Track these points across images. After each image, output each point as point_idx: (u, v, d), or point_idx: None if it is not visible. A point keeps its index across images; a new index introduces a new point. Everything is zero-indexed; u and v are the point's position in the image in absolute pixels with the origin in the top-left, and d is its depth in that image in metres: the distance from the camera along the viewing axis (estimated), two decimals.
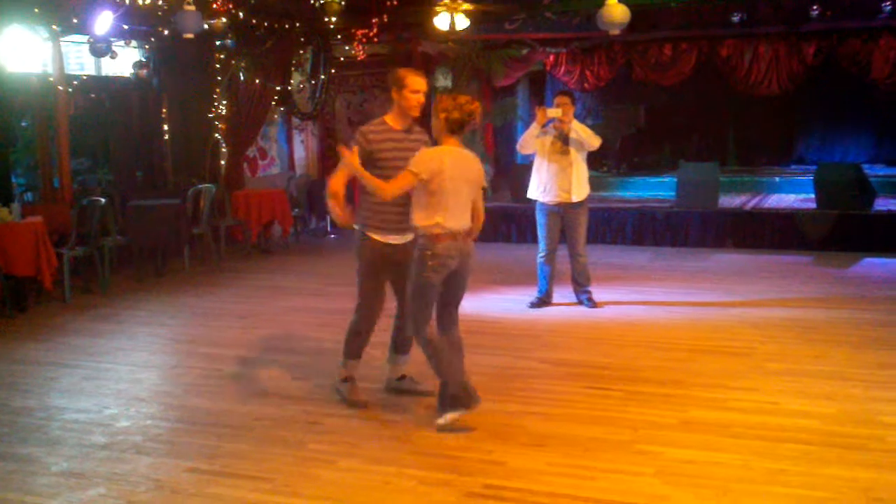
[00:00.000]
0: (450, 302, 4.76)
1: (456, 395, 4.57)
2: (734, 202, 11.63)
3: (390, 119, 4.91)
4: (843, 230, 10.23)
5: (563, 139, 7.23)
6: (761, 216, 10.84)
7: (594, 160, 9.88)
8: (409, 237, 4.83)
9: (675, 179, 11.48)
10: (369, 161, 4.74)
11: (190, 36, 9.30)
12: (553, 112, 7.13)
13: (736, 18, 11.48)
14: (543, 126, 7.23)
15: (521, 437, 4.49)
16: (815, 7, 11.09)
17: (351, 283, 5.11)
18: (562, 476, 4.00)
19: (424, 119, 4.83)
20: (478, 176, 4.72)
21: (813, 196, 10.84)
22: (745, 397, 5.05)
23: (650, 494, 3.81)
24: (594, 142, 7.24)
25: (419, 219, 4.56)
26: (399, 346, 5.20)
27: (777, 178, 13.34)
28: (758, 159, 15.03)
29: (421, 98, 4.87)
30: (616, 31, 9.69)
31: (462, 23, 11.03)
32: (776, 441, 4.35)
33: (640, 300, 7.77)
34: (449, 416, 4.58)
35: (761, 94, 12.91)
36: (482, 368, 5.69)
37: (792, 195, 12.35)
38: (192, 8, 9.00)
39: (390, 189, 4.55)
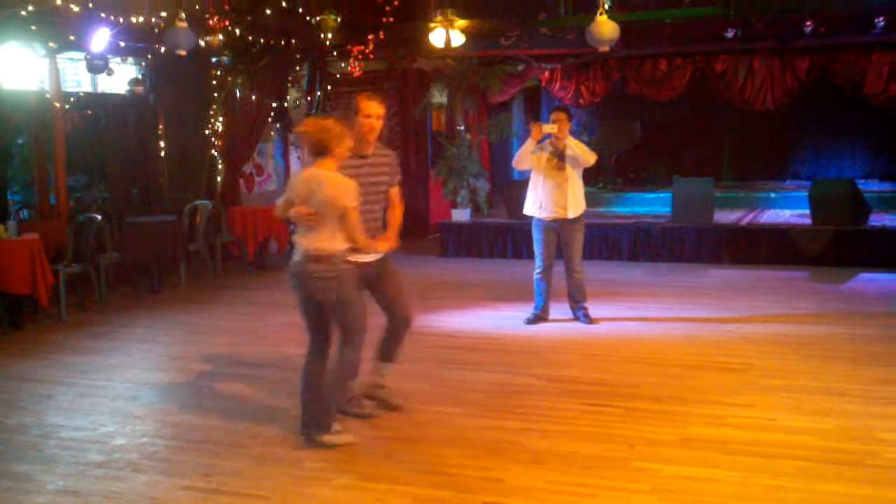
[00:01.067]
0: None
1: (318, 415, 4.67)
2: (729, 217, 11.64)
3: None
4: (838, 246, 10.24)
5: (559, 155, 7.24)
6: (757, 232, 10.86)
7: (590, 176, 9.90)
8: (378, 255, 4.99)
9: (671, 195, 11.49)
10: None
11: (182, 53, 9.32)
12: (549, 128, 7.15)
13: (730, 34, 11.53)
14: (539, 142, 7.26)
15: (519, 454, 4.49)
16: (808, 23, 11.16)
17: None
18: (560, 493, 4.00)
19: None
20: (335, 199, 4.47)
21: (808, 212, 10.85)
22: (742, 413, 5.05)
23: None
24: (590, 158, 7.25)
25: None
26: (384, 354, 5.27)
27: (772, 194, 13.36)
28: (753, 175, 15.06)
29: (373, 123, 4.86)
30: (605, 48, 9.67)
31: (457, 39, 11.08)
32: (773, 457, 4.35)
33: (636, 316, 7.77)
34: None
35: (756, 109, 12.96)
36: (479, 385, 5.69)
37: (787, 211, 12.37)
38: (184, 24, 9.02)
39: (276, 210, 4.76)
